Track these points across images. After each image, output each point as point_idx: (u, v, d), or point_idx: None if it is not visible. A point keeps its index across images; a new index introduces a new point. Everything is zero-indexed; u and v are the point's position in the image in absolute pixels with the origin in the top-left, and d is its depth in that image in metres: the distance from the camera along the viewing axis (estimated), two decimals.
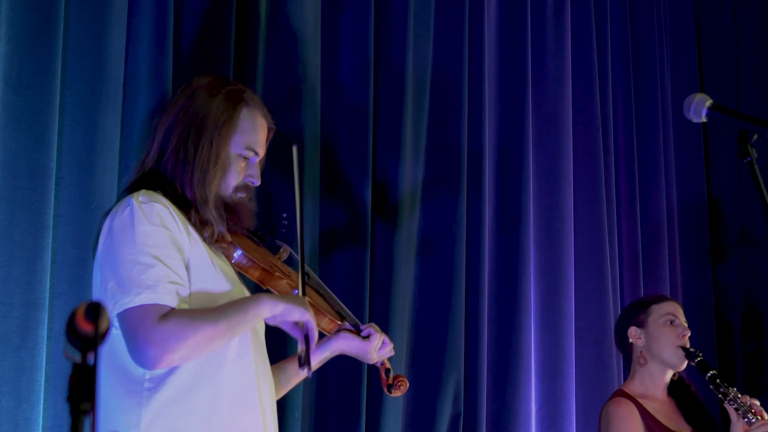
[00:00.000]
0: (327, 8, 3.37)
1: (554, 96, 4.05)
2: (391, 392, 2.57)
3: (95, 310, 1.30)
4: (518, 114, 3.90)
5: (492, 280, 3.73)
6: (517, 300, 3.73)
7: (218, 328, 2.08)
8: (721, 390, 3.17)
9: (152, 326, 2.01)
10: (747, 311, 4.77)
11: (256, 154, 2.30)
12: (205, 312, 2.10)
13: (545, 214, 3.95)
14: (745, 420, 3.13)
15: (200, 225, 2.21)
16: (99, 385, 2.06)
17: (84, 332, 1.29)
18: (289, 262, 2.47)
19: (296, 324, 2.21)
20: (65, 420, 2.54)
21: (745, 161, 2.21)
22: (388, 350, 2.53)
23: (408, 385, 2.57)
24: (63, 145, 2.65)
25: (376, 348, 2.49)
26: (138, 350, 2.02)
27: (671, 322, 3.35)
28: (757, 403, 3.17)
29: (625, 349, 3.42)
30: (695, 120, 2.34)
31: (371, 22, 3.43)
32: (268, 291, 2.37)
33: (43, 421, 2.52)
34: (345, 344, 2.47)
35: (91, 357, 1.28)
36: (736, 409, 3.15)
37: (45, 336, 2.53)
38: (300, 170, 2.39)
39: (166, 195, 2.19)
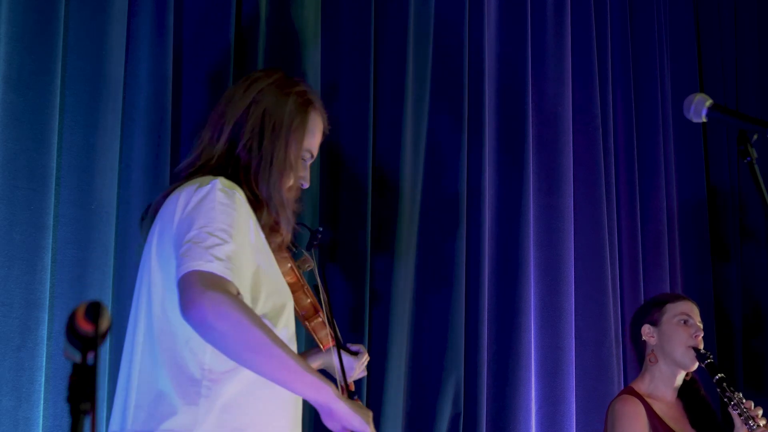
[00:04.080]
0: (327, 8, 3.37)
1: (554, 96, 4.05)
2: None
3: (95, 310, 1.30)
4: (518, 113, 3.90)
5: (492, 279, 3.73)
6: (517, 300, 3.73)
7: (272, 349, 1.97)
8: (727, 394, 3.16)
9: (214, 287, 1.95)
10: (747, 310, 4.77)
11: (312, 156, 2.32)
12: (270, 330, 2.01)
13: (545, 214, 3.95)
14: (747, 426, 3.13)
15: (268, 230, 2.19)
16: (151, 380, 2.06)
17: (84, 332, 1.29)
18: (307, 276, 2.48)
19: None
20: (65, 420, 2.54)
21: (745, 161, 2.21)
22: (362, 372, 2.58)
23: None
24: (63, 145, 2.65)
25: (361, 366, 2.53)
26: (190, 301, 1.94)
27: (685, 322, 3.33)
28: (760, 413, 3.17)
29: (638, 346, 3.42)
30: (695, 120, 2.34)
31: (371, 21, 3.43)
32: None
33: (43, 421, 2.52)
34: (335, 359, 2.47)
35: (91, 357, 1.28)
36: (740, 415, 3.14)
37: (45, 336, 2.53)
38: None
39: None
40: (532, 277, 3.83)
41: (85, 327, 1.29)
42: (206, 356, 2.06)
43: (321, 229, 2.54)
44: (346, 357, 2.51)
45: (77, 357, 1.28)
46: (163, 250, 2.11)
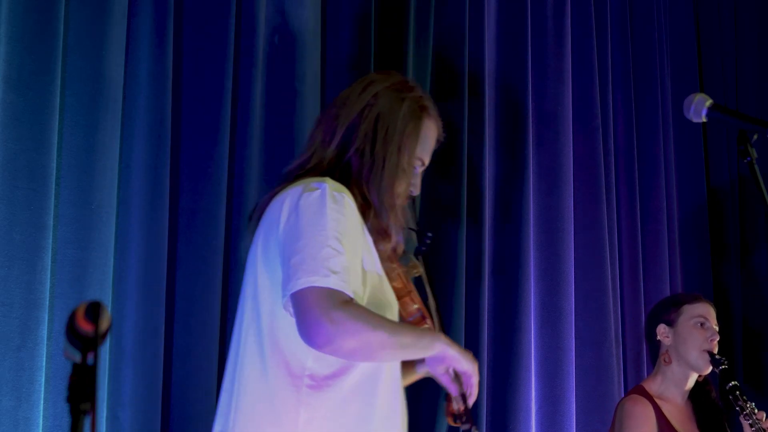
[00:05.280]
0: (327, 8, 3.37)
1: (554, 96, 4.05)
2: (455, 421, 2.48)
3: (95, 310, 1.30)
4: (518, 113, 3.90)
5: (492, 279, 3.73)
6: (517, 300, 3.73)
7: (391, 340, 2.02)
8: (739, 403, 3.14)
9: (334, 307, 1.95)
10: (748, 311, 4.77)
11: (423, 164, 2.30)
12: (383, 318, 2.05)
13: (545, 214, 3.95)
14: None
15: (375, 236, 2.19)
16: (256, 383, 2.06)
17: (84, 332, 1.29)
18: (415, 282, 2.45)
19: (453, 376, 2.15)
20: (65, 420, 2.54)
21: (745, 161, 2.21)
22: (476, 383, 2.54)
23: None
24: (63, 145, 2.65)
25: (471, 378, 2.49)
26: (312, 326, 1.95)
27: (701, 325, 3.30)
28: None
29: (653, 344, 3.39)
30: (695, 120, 2.34)
31: (372, 21, 3.43)
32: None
33: (43, 421, 2.52)
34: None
35: (90, 357, 1.28)
36: (751, 425, 3.13)
37: (45, 336, 2.52)
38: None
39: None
40: (532, 277, 3.83)
41: (85, 327, 1.29)
42: (309, 361, 2.06)
43: (430, 234, 2.50)
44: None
45: (77, 357, 1.28)
46: (269, 254, 2.09)
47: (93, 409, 1.25)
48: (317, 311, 1.95)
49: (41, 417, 2.51)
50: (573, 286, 3.97)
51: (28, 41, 2.58)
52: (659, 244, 4.43)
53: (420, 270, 2.41)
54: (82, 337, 1.29)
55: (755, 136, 2.22)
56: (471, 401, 2.15)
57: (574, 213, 4.05)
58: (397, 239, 2.22)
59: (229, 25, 3.04)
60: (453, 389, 2.17)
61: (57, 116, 2.61)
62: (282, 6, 3.20)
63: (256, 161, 3.08)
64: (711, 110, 2.31)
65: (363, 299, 2.08)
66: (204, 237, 2.93)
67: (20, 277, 2.50)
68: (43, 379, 2.51)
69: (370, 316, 2.01)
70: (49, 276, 2.55)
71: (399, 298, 2.31)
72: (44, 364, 2.52)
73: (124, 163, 2.79)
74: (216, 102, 2.98)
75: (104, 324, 1.31)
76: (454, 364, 2.13)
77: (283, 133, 3.15)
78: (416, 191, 2.30)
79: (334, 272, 1.97)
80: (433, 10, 3.64)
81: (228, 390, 2.14)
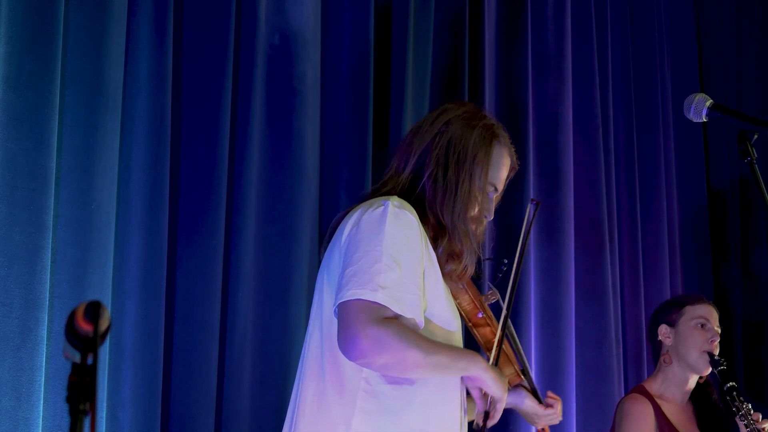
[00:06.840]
0: (327, 8, 3.37)
1: (554, 96, 4.05)
2: None
3: (95, 310, 1.30)
4: (518, 113, 3.90)
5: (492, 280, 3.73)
6: (517, 300, 3.73)
7: (427, 360, 2.08)
8: (736, 404, 3.14)
9: (373, 322, 2.02)
10: (747, 312, 4.77)
11: (496, 189, 2.35)
12: (422, 338, 2.10)
13: (545, 214, 3.95)
14: None
15: (446, 257, 2.24)
16: (316, 388, 2.13)
17: (83, 332, 1.29)
18: (493, 307, 2.47)
19: (482, 393, 2.21)
20: (65, 420, 2.54)
21: (745, 161, 2.21)
22: (556, 421, 2.56)
23: None
24: (63, 146, 2.65)
25: (547, 416, 2.52)
26: (349, 338, 2.02)
27: (702, 326, 3.30)
28: (767, 426, 3.16)
29: (654, 345, 3.40)
30: (695, 120, 2.34)
31: (371, 21, 3.43)
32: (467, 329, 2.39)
33: (42, 421, 2.52)
34: (519, 401, 2.50)
35: (90, 357, 1.27)
36: (746, 426, 3.13)
37: (45, 336, 2.52)
38: (529, 227, 2.42)
39: (421, 219, 2.21)
40: (532, 277, 3.83)
41: (85, 327, 1.29)
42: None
43: (506, 261, 2.52)
44: (531, 402, 2.49)
45: (77, 357, 1.28)
46: (332, 264, 2.18)
47: (92, 410, 1.24)
48: (356, 325, 2.02)
49: (41, 417, 2.51)
50: (573, 286, 3.97)
51: (28, 41, 2.58)
52: (659, 244, 4.43)
53: (497, 296, 2.45)
54: (81, 338, 1.29)
55: (755, 136, 2.23)
56: (491, 423, 2.20)
57: (574, 213, 4.05)
58: (468, 262, 2.26)
59: (229, 25, 3.04)
60: (479, 404, 2.22)
61: (57, 116, 2.61)
62: (282, 6, 3.20)
63: (256, 161, 3.08)
64: (711, 110, 2.31)
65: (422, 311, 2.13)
66: (204, 237, 2.93)
67: (20, 278, 2.50)
68: (42, 380, 2.51)
69: (407, 334, 2.05)
70: (48, 276, 2.55)
71: (469, 320, 2.36)
72: (44, 364, 2.52)
73: (124, 163, 2.79)
74: (216, 102, 2.98)
75: (104, 324, 1.30)
76: (485, 388, 2.19)
77: (283, 133, 3.15)
78: (490, 216, 2.35)
79: (383, 287, 2.04)
80: (433, 9, 3.64)
81: (294, 391, 2.23)
